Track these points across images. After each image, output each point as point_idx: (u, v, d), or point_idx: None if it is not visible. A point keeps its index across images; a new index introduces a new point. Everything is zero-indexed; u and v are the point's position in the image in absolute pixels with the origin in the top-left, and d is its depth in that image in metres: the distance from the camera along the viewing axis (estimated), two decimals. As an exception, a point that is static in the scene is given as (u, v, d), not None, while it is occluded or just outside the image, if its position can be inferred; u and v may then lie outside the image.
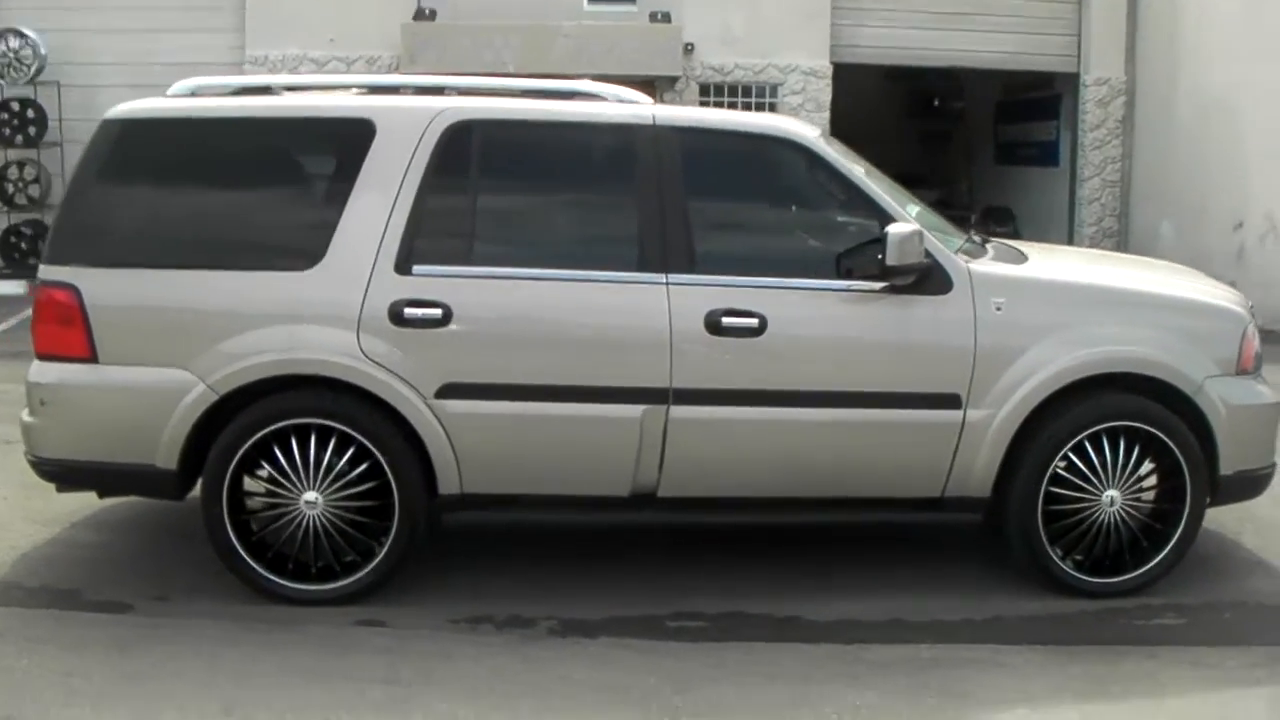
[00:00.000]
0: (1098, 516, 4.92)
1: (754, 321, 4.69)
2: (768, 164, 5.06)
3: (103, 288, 4.66)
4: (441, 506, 4.81)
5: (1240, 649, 4.54)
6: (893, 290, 4.76)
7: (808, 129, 5.07)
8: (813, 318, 4.80)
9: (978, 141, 18.33)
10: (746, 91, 14.51)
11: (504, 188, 4.90)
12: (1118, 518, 4.94)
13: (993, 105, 17.42)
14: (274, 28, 13.07)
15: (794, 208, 5.27)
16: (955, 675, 4.28)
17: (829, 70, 14.38)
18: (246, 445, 4.67)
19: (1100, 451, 4.90)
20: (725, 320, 4.68)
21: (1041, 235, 13.45)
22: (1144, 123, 14.13)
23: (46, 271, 4.72)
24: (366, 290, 4.65)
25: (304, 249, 4.70)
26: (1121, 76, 14.37)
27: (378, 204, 4.69)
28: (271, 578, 4.73)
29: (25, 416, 4.80)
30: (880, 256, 4.65)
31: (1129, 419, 4.88)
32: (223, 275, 4.69)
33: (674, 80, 13.98)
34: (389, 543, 4.73)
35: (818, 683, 4.19)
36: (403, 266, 4.67)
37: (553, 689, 4.11)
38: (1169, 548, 4.98)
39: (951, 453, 4.84)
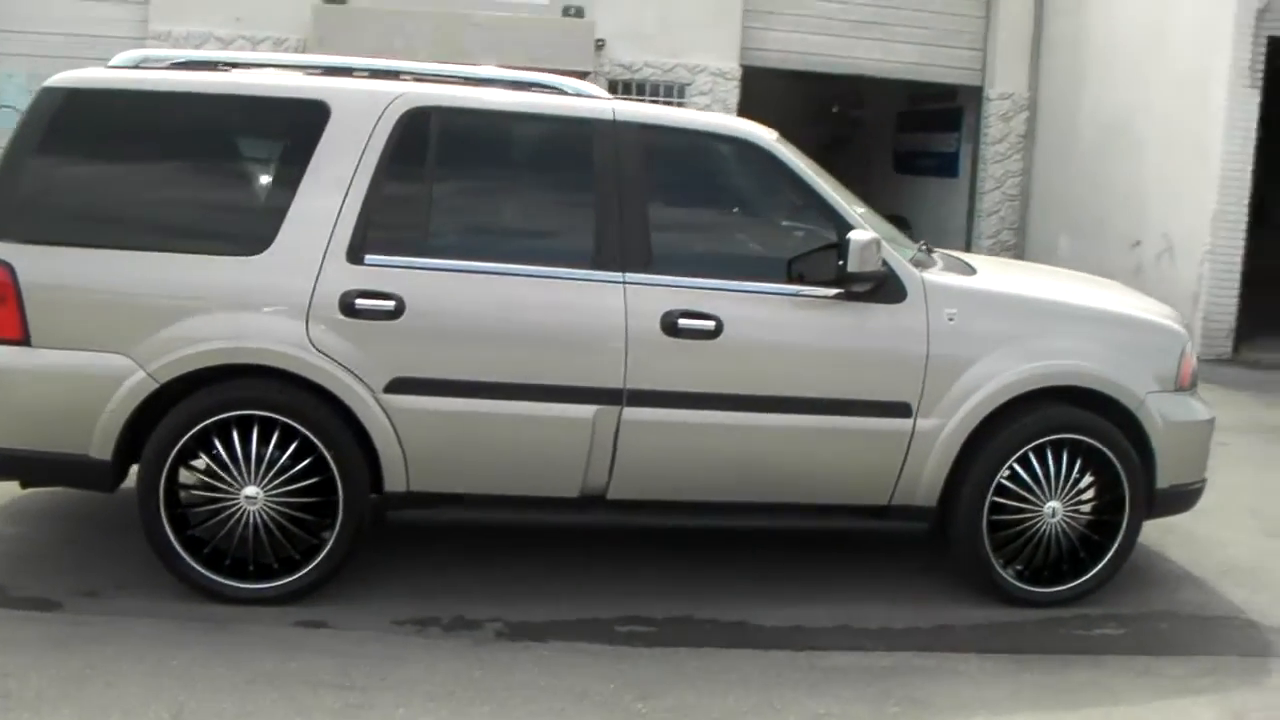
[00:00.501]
0: (1039, 527, 5.00)
1: (710, 324, 4.65)
2: (726, 165, 5.03)
3: (39, 266, 4.41)
4: (386, 504, 4.67)
5: (1182, 659, 4.64)
6: (849, 297, 4.76)
7: (765, 131, 5.03)
8: (769, 322, 4.76)
9: (876, 150, 18.60)
10: (655, 90, 14.46)
11: (460, 178, 4.76)
12: (1059, 529, 5.02)
13: (893, 115, 17.69)
14: (179, 2, 12.62)
15: (751, 210, 5.22)
16: (913, 683, 4.29)
17: (738, 72, 14.43)
18: (186, 437, 4.47)
19: (1044, 463, 4.97)
20: (682, 322, 4.63)
21: (938, 246, 13.68)
22: (1045, 139, 14.49)
23: (-31, 247, 4.46)
24: (317, 279, 4.48)
25: (252, 234, 4.51)
26: (1025, 92, 14.72)
27: (330, 189, 4.53)
28: (210, 575, 4.54)
29: (-56, 402, 4.53)
30: (841, 263, 4.64)
31: (1074, 432, 4.96)
32: (166, 258, 4.47)
33: (584, 75, 13.87)
34: (332, 541, 4.58)
35: (778, 689, 4.17)
36: (355, 255, 4.51)
37: (511, 694, 4.01)
38: (1107, 559, 5.07)
39: (900, 461, 4.86)
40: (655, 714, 3.95)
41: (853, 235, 4.64)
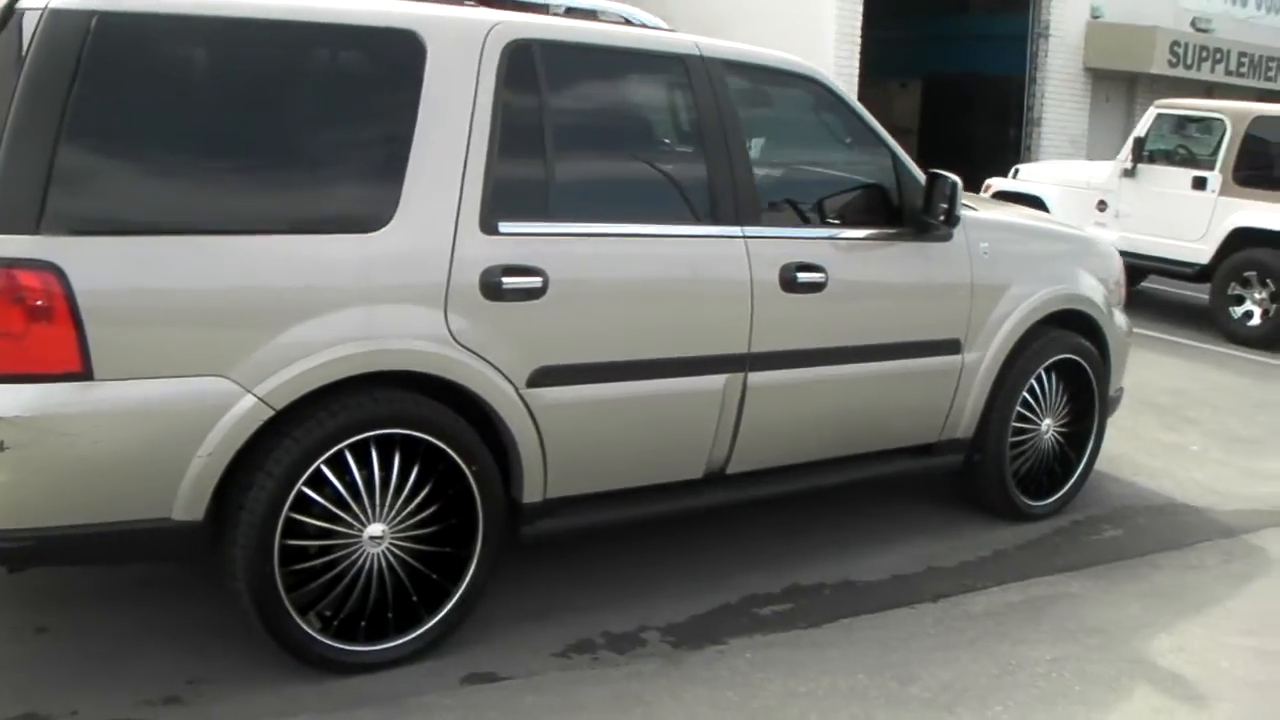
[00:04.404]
0: (1035, 444, 5.30)
1: (821, 276, 4.36)
2: (800, 104, 4.66)
3: (98, 266, 3.12)
4: (520, 519, 3.91)
5: (1195, 549, 5.16)
6: (916, 238, 4.69)
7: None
8: (864, 269, 4.55)
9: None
10: None
11: (572, 126, 3.96)
12: (1051, 443, 5.35)
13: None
14: None
15: (828, 152, 4.90)
16: (1063, 612, 4.42)
17: None
18: (307, 474, 3.44)
19: (1040, 383, 5.26)
20: (800, 275, 4.30)
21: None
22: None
23: (-7, 244, 3.05)
24: (452, 256, 3.60)
25: (367, 203, 3.51)
26: None
27: (448, 141, 3.63)
28: (337, 646, 3.58)
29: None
30: (945, 205, 4.56)
31: (1072, 353, 5.28)
32: (265, 242, 3.34)
33: None
34: (470, 575, 3.78)
35: (976, 643, 4.10)
36: (488, 224, 3.67)
37: (791, 706, 3.60)
38: (1082, 466, 5.50)
39: (951, 397, 4.92)
40: (930, 695, 3.74)
41: (951, 176, 4.56)
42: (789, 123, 4.77)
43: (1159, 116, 10.30)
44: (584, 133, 4.04)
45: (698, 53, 4.23)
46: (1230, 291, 9.61)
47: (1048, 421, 5.30)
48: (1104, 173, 10.60)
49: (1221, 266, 9.63)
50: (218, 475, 3.31)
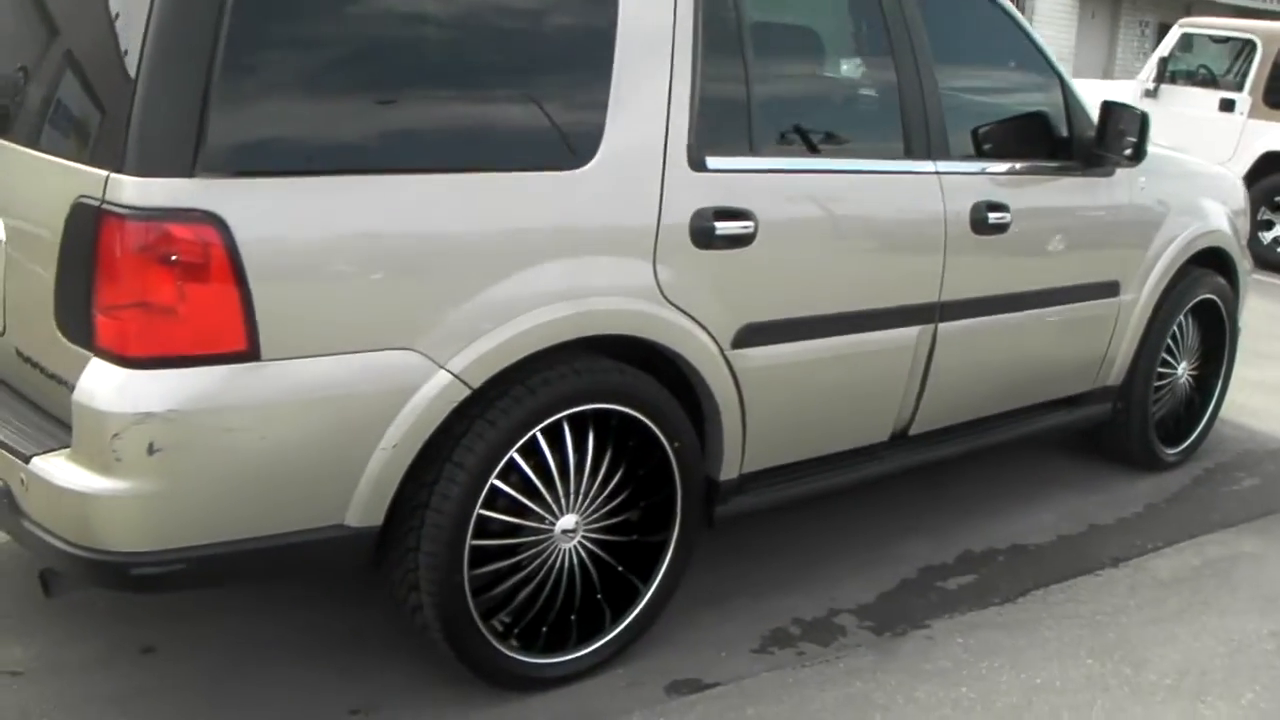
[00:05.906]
0: (1173, 389, 4.95)
1: (1006, 216, 3.89)
2: (973, 24, 4.11)
3: (266, 216, 2.48)
4: (716, 499, 3.39)
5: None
6: (1084, 172, 4.24)
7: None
8: (1041, 206, 4.09)
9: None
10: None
11: (768, 45, 3.39)
12: (1185, 390, 5.00)
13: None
14: None
15: (998, 77, 4.37)
16: (1250, 577, 4.09)
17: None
18: (502, 462, 2.87)
19: (1180, 325, 4.87)
20: (991, 216, 3.82)
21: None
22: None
23: (141, 190, 2.37)
24: (661, 197, 3.03)
25: (568, 135, 2.91)
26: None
27: (652, 60, 3.04)
28: (522, 659, 3.05)
29: (89, 483, 2.44)
30: (1133, 139, 4.10)
31: (1212, 292, 4.91)
32: (457, 182, 2.73)
33: None
34: (665, 566, 3.26)
35: (1191, 614, 3.76)
36: (695, 159, 3.10)
37: (1041, 704, 3.19)
38: (1210, 411, 5.17)
39: (1108, 342, 4.53)
40: (1172, 682, 3.36)
41: (1137, 108, 4.11)
42: (960, 44, 4.21)
43: (1184, 35, 9.95)
44: (779, 54, 3.51)
45: (881, -36, 3.67)
46: (1260, 216, 9.36)
47: (1183, 365, 4.94)
48: (1123, 94, 10.23)
49: (1250, 191, 9.34)
50: (403, 471, 2.73)
